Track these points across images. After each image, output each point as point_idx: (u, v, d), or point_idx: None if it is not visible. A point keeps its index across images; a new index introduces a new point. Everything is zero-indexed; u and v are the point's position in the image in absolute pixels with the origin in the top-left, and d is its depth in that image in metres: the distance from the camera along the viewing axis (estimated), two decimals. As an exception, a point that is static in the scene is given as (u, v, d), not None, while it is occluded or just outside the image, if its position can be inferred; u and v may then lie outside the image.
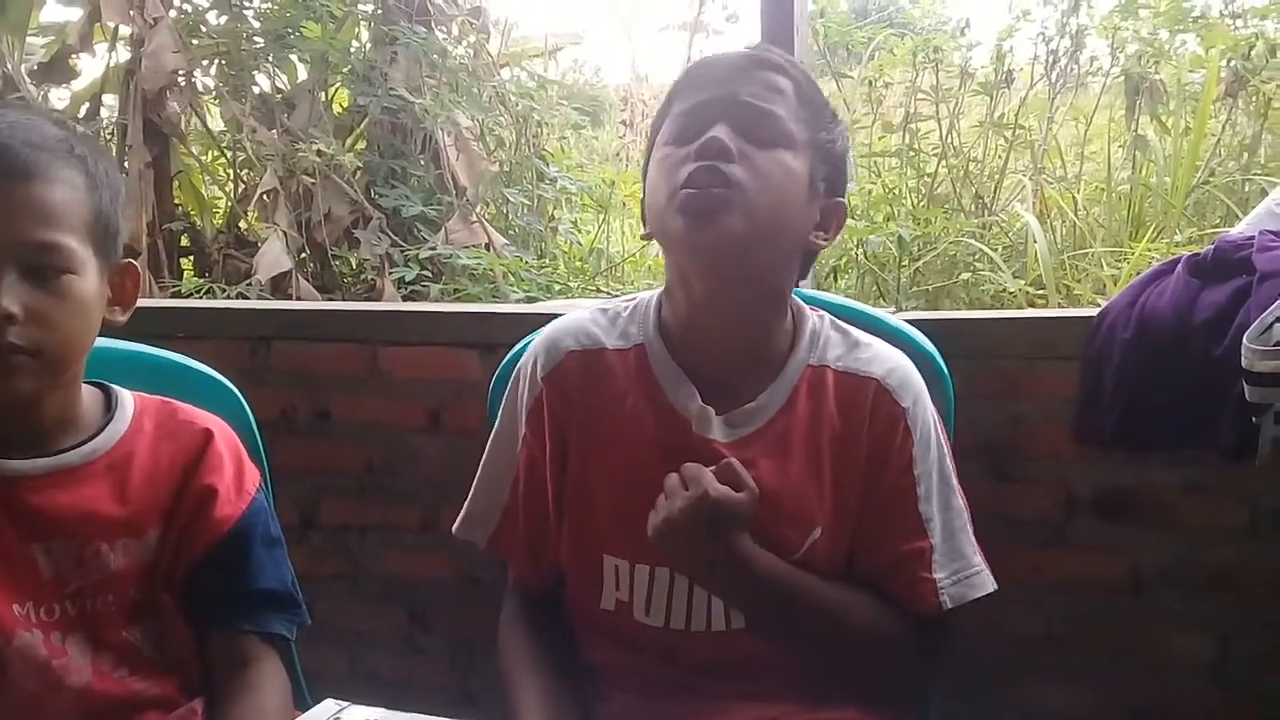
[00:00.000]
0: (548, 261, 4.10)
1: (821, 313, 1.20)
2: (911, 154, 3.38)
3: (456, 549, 1.65)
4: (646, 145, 1.18)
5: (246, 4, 4.54)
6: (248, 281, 3.87)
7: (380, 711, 0.85)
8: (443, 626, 1.71)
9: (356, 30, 4.52)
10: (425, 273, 3.91)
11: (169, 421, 1.11)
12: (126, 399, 1.11)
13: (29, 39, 4.70)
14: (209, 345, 1.39)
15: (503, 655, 1.19)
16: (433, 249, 3.96)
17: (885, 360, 1.15)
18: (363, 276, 4.08)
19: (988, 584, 1.13)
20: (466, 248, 4.00)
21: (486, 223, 4.18)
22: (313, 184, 4.08)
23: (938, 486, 1.13)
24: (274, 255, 3.90)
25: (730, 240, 1.06)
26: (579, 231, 4.61)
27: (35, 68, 4.52)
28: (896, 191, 3.37)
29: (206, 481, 1.09)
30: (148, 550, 1.06)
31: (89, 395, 1.10)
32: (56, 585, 1.02)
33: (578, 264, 4.29)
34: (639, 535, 1.08)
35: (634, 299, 1.22)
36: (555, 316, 1.26)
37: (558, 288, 3.84)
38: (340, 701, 0.87)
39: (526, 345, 1.26)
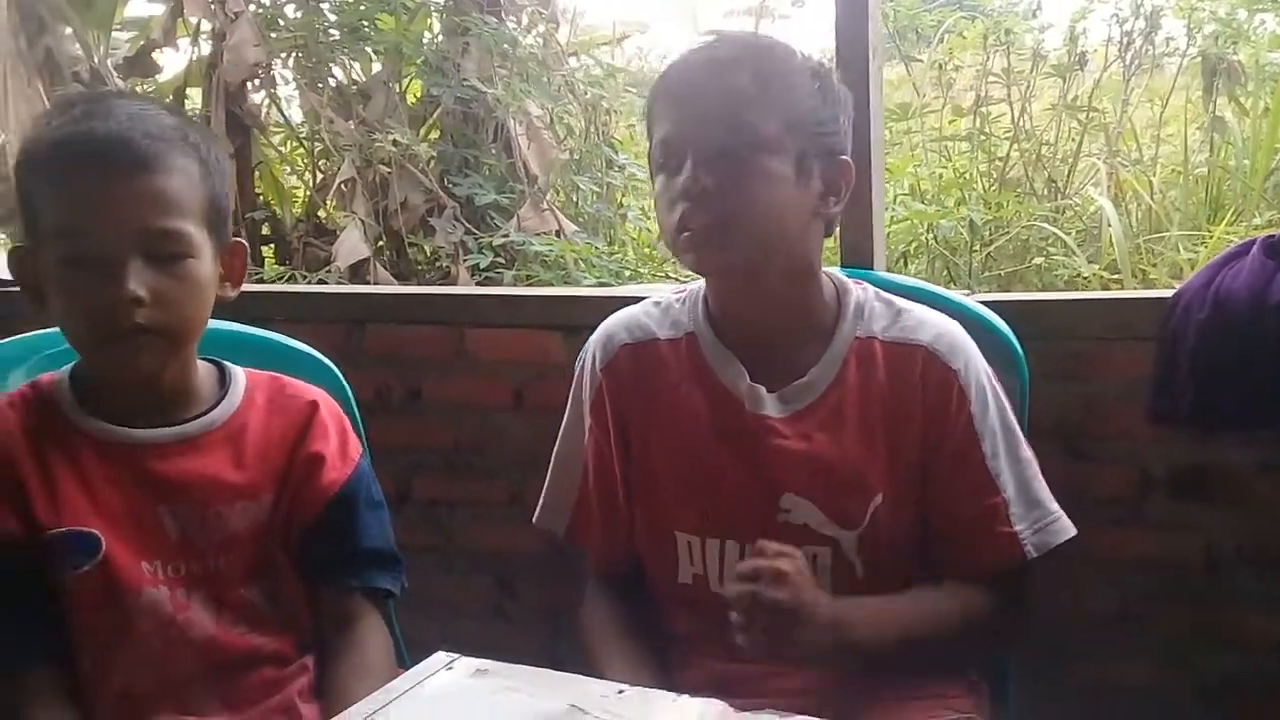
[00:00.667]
0: (617, 248, 4.16)
1: (865, 285, 1.23)
2: (982, 138, 3.37)
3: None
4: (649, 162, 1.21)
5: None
6: (327, 269, 3.98)
7: (489, 663, 0.90)
8: (530, 595, 1.77)
9: (429, 22, 4.60)
10: (499, 259, 3.99)
11: (278, 395, 1.20)
12: (239, 375, 1.19)
13: (114, 34, 4.86)
14: (306, 328, 1.45)
15: (587, 633, 1.25)
16: (505, 236, 4.03)
17: (931, 326, 1.17)
18: (437, 263, 4.17)
19: (1068, 528, 1.16)
20: (538, 235, 4.07)
21: (557, 210, 4.25)
22: (389, 173, 4.18)
23: (1003, 440, 1.15)
24: (352, 243, 4.00)
25: (734, 265, 1.14)
26: (647, 218, 4.65)
27: (120, 62, 4.67)
28: (967, 175, 3.36)
29: (314, 449, 1.17)
30: (263, 513, 1.14)
31: (205, 371, 1.18)
32: (181, 545, 1.10)
33: (645, 250, 4.34)
34: (705, 512, 1.15)
35: (684, 289, 1.27)
36: (634, 300, 1.31)
37: (628, 273, 3.89)
38: (450, 654, 0.93)
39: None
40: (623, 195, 4.63)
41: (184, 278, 1.06)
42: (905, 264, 3.18)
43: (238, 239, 1.16)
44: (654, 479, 1.20)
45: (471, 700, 0.84)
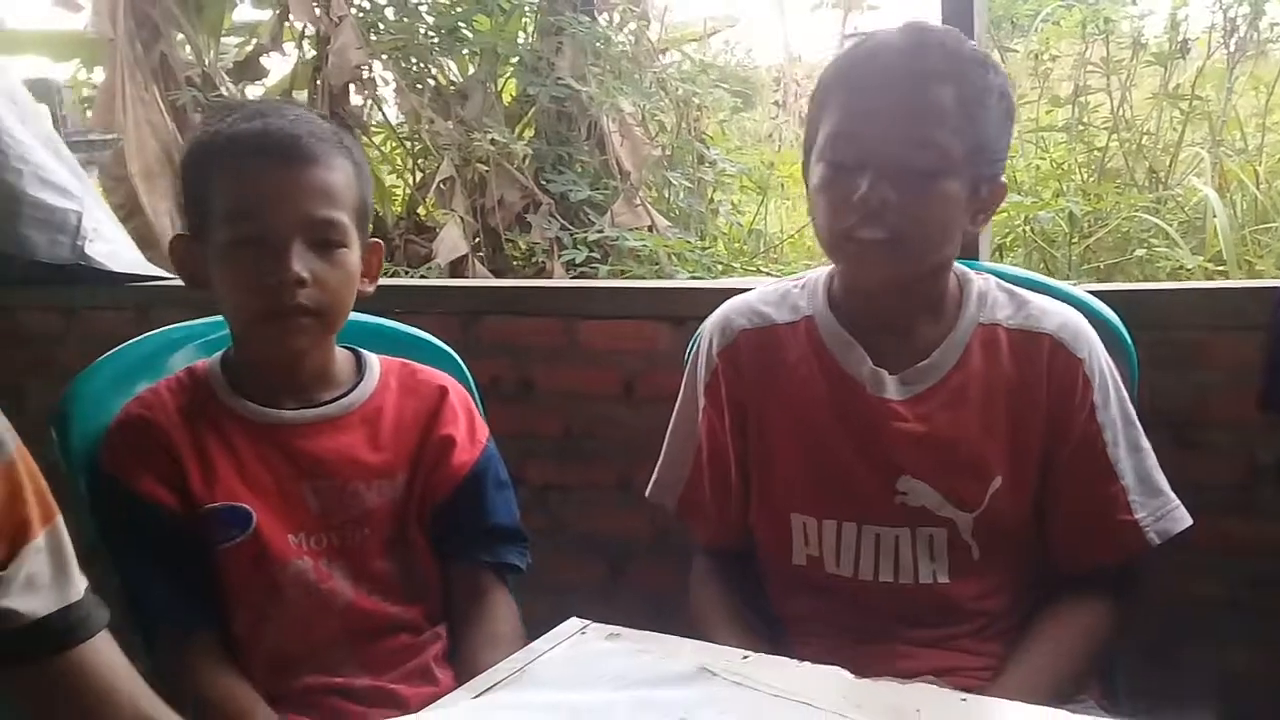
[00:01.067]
0: (709, 242, 4.20)
1: (987, 276, 1.26)
2: (1081, 128, 3.33)
3: (651, 506, 1.78)
4: (804, 141, 1.21)
5: (420, 2, 4.78)
6: (427, 265, 4.10)
7: (620, 629, 0.96)
8: (638, 578, 1.83)
9: (524, 22, 4.70)
10: (593, 255, 4.06)
11: (410, 380, 1.27)
12: (374, 361, 1.27)
13: (223, 39, 5.06)
14: (425, 320, 1.51)
15: (695, 609, 1.29)
16: (600, 232, 4.10)
17: (1056, 315, 1.19)
18: (533, 259, 4.26)
19: (1186, 517, 1.18)
20: (631, 230, 4.14)
21: (649, 205, 4.31)
22: (486, 171, 4.28)
23: (1123, 430, 1.17)
24: (452, 240, 4.11)
25: (893, 281, 1.16)
26: (738, 213, 4.69)
27: (230, 66, 4.86)
28: (1065, 167, 3.33)
29: (445, 432, 1.24)
30: (398, 491, 1.22)
31: (342, 357, 1.26)
32: (323, 519, 1.18)
33: (736, 245, 4.37)
34: (822, 494, 1.19)
35: (801, 277, 1.30)
36: (740, 291, 1.35)
37: (720, 268, 3.93)
38: (582, 620, 0.99)
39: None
40: (713, 190, 4.68)
41: (339, 264, 1.14)
42: (1001, 256, 3.16)
43: (375, 239, 1.24)
44: (771, 460, 1.23)
45: (606, 661, 0.90)
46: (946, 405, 1.17)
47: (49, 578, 0.87)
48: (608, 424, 1.81)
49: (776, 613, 1.27)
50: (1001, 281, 1.24)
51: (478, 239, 4.26)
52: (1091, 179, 3.25)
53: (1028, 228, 3.07)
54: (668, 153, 4.53)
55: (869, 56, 1.14)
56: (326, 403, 1.22)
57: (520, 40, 4.60)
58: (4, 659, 0.84)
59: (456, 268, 4.06)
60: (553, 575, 1.83)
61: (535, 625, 1.37)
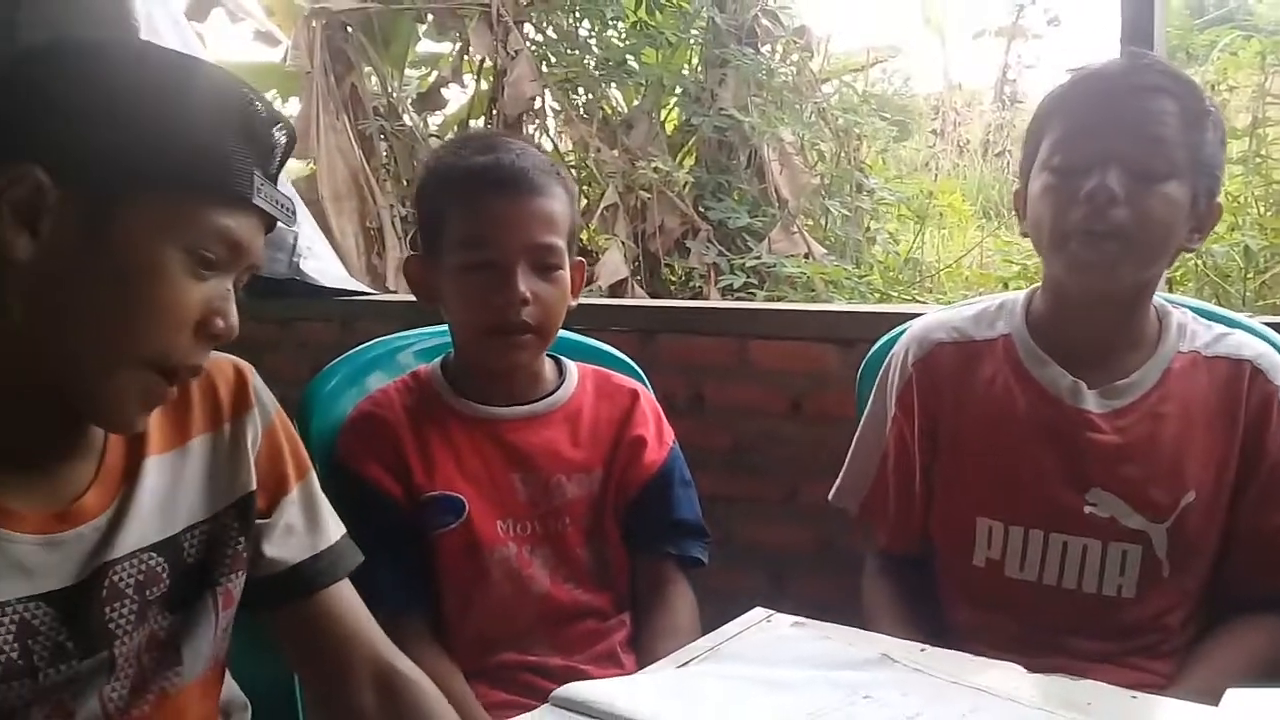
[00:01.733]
0: (865, 271, 4.24)
1: (1184, 309, 1.30)
2: (1258, 160, 3.25)
3: (814, 520, 1.86)
4: (1022, 156, 1.27)
5: (590, 35, 4.99)
6: (589, 287, 4.26)
7: (803, 619, 1.04)
8: (799, 589, 1.90)
9: (689, 54, 4.84)
10: (750, 281, 4.15)
11: (605, 384, 1.40)
12: (572, 367, 1.40)
13: (406, 71, 5.38)
14: (605, 336, 1.61)
15: (869, 605, 1.35)
16: (757, 258, 4.19)
17: (1253, 345, 1.24)
18: (690, 284, 4.38)
19: None
20: (789, 257, 4.21)
21: (806, 233, 4.38)
22: (648, 198, 4.43)
23: None
24: (614, 264, 4.27)
25: (1115, 286, 1.20)
26: (895, 242, 4.70)
27: (414, 97, 5.16)
28: (1241, 200, 3.25)
29: (637, 433, 1.36)
30: (595, 485, 1.33)
31: (546, 362, 1.38)
32: (529, 508, 1.30)
33: (892, 274, 4.39)
34: (1012, 500, 1.24)
35: (997, 298, 1.36)
36: (908, 316, 1.43)
37: (875, 296, 3.96)
38: (766, 610, 1.08)
39: (889, 340, 1.43)
40: (870, 219, 4.71)
41: (556, 283, 1.28)
42: (1171, 289, 3.11)
43: (579, 258, 1.37)
44: (960, 466, 1.29)
45: (792, 645, 0.98)
46: (1144, 420, 1.21)
47: (303, 527, 1.01)
48: (775, 440, 1.89)
49: (946, 621, 1.32)
50: (1197, 315, 1.29)
51: (637, 263, 4.41)
52: (1269, 213, 3.17)
53: (1200, 261, 3.01)
54: (826, 181, 4.59)
55: (1091, 77, 1.21)
56: (533, 401, 1.34)
57: (685, 72, 4.75)
58: (264, 602, 0.99)
59: (616, 290, 4.21)
60: (716, 582, 1.91)
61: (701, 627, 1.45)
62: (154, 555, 0.90)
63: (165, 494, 0.92)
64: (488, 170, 1.26)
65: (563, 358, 1.41)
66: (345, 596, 1.02)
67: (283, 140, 0.89)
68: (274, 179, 0.89)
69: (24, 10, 2.64)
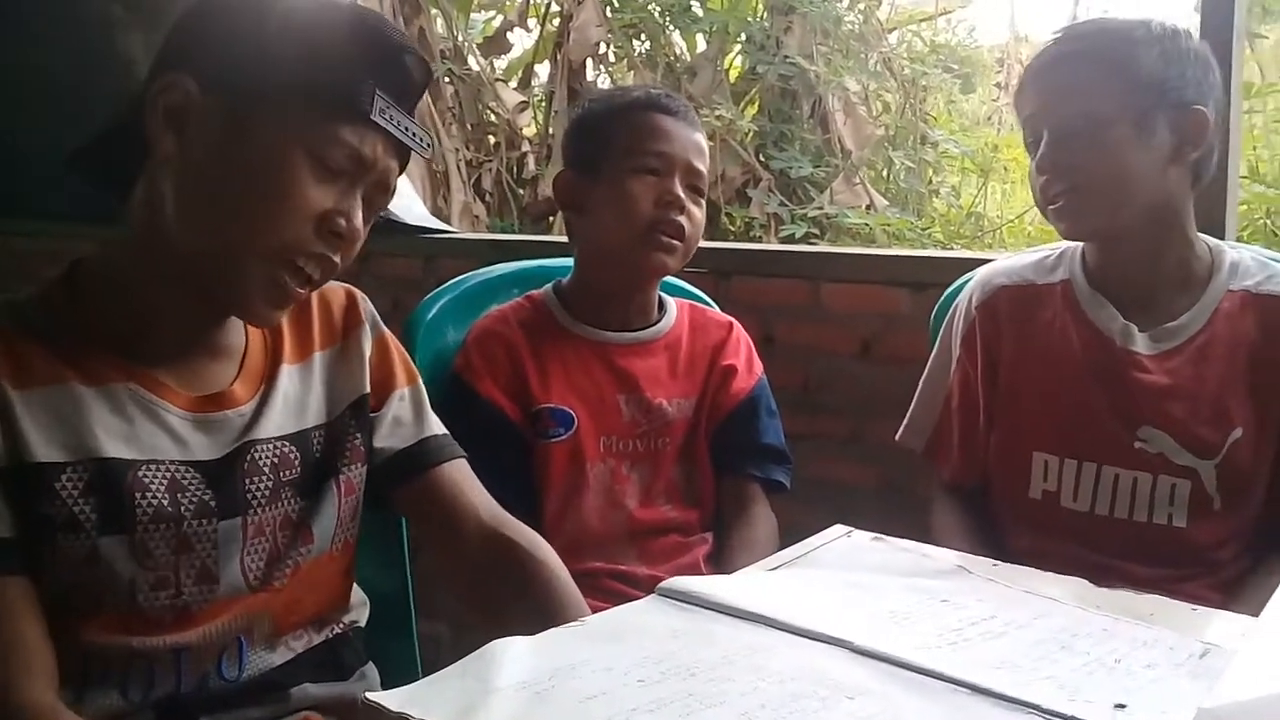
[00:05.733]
0: (927, 223, 4.26)
1: (1240, 247, 1.36)
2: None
3: (880, 458, 1.93)
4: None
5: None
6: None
7: (881, 535, 1.12)
8: (864, 525, 1.95)
9: (754, 1, 4.85)
10: (811, 231, 4.19)
11: (700, 317, 1.50)
12: (671, 302, 1.50)
13: (472, 15, 5.43)
14: (681, 275, 1.68)
15: (937, 532, 1.42)
16: (819, 208, 4.22)
17: None
18: (750, 233, 4.43)
19: None
20: (851, 208, 4.24)
21: (868, 184, 4.39)
22: (710, 145, 4.46)
23: None
24: (676, 209, 4.31)
25: (1091, 229, 1.31)
26: (957, 195, 4.70)
27: (481, 41, 5.21)
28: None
29: (728, 362, 1.46)
30: (690, 408, 1.43)
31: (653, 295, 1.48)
32: (631, 426, 1.40)
33: (953, 228, 4.40)
34: (1067, 435, 1.31)
35: (1057, 247, 1.43)
36: (979, 261, 1.49)
37: (937, 251, 3.98)
38: (846, 526, 1.16)
39: (961, 284, 1.50)
40: (933, 172, 4.71)
41: (700, 208, 1.41)
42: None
43: None
44: (1019, 403, 1.36)
45: (872, 555, 1.06)
46: (1190, 361, 1.28)
47: (410, 420, 1.12)
48: (844, 380, 1.96)
49: (1007, 548, 1.39)
50: (1257, 254, 1.34)
51: (699, 210, 4.46)
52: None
53: (1268, 220, 3.01)
54: (890, 132, 4.60)
55: (1035, 59, 1.34)
56: (639, 329, 1.44)
57: (750, 19, 4.75)
58: (384, 483, 1.09)
59: (677, 237, 4.27)
60: (783, 516, 2.00)
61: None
62: (287, 443, 1.02)
63: (297, 397, 1.05)
64: (655, 97, 1.42)
65: (661, 293, 1.50)
66: (455, 473, 1.11)
67: (411, 66, 0.98)
68: (408, 107, 0.97)
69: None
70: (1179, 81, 1.26)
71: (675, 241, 1.37)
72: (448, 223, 4.32)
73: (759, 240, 4.35)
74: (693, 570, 1.38)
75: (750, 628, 0.84)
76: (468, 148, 4.82)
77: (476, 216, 4.59)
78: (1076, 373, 1.32)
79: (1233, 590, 1.27)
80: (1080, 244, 1.38)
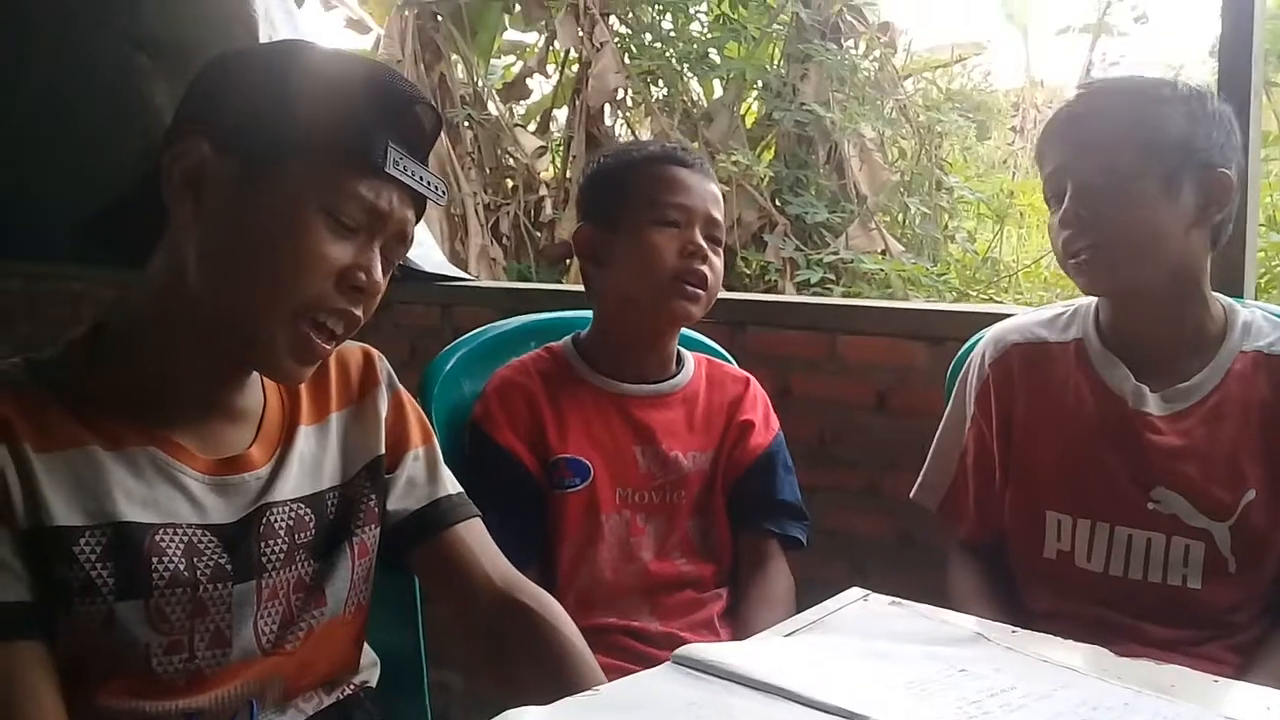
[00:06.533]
0: (943, 269, 4.26)
1: (1253, 306, 1.35)
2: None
3: (896, 511, 1.92)
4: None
5: (672, 29, 5.05)
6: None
7: (899, 599, 1.11)
8: (878, 578, 1.93)
9: (771, 49, 4.89)
10: (827, 276, 4.19)
11: (717, 372, 1.51)
12: (688, 355, 1.50)
13: (492, 61, 5.50)
14: (695, 327, 1.69)
15: (955, 591, 1.41)
16: (834, 253, 4.23)
17: None
18: (765, 278, 4.44)
19: None
20: (866, 253, 4.24)
21: (884, 230, 4.40)
22: (727, 191, 4.48)
23: None
24: (693, 254, 4.32)
25: (1108, 285, 1.30)
26: (973, 240, 4.70)
27: (500, 86, 5.27)
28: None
29: (745, 417, 1.46)
30: (707, 463, 1.43)
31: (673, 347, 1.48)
32: (647, 478, 1.40)
33: (969, 273, 4.40)
34: (1080, 495, 1.30)
35: (1071, 304, 1.42)
36: (998, 316, 1.48)
37: (952, 295, 3.98)
38: (863, 590, 1.14)
39: (977, 339, 1.49)
40: (949, 217, 4.72)
41: (720, 258, 1.42)
42: (1257, 296, 3.10)
43: None
44: (1033, 463, 1.35)
45: (890, 621, 1.04)
46: (1203, 422, 1.27)
47: (423, 480, 1.12)
48: (859, 432, 1.95)
49: (1026, 608, 1.37)
50: (1269, 315, 1.33)
51: (716, 255, 4.47)
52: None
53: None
54: (906, 178, 4.62)
55: (1060, 114, 1.34)
56: (657, 382, 1.45)
57: (766, 66, 4.80)
58: (396, 545, 1.09)
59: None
60: (798, 570, 1.99)
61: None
62: (303, 505, 1.02)
63: (313, 458, 1.05)
64: (671, 151, 1.44)
65: (679, 348, 1.50)
66: (468, 534, 1.11)
67: (422, 115, 0.98)
68: (421, 156, 0.98)
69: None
70: (1205, 143, 1.26)
71: (699, 290, 1.38)
72: (465, 266, 4.36)
73: (774, 284, 4.36)
74: (706, 627, 1.37)
75: (766, 700, 0.83)
76: (486, 191, 4.86)
77: (494, 259, 4.62)
78: (1089, 433, 1.31)
79: (1251, 655, 1.25)
80: (1094, 302, 1.38)
